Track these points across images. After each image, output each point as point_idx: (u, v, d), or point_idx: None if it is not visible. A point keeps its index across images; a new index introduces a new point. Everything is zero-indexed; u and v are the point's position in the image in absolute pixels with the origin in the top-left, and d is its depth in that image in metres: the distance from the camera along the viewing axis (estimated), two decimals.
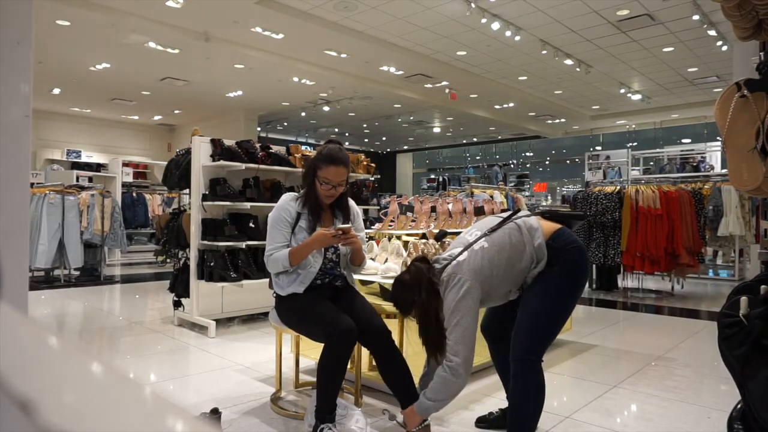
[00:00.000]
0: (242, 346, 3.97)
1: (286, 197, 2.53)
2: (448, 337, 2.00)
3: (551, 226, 2.13)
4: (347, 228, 2.36)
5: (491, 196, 7.08)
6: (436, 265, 2.15)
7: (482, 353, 3.32)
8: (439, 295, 2.07)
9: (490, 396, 2.93)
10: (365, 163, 5.53)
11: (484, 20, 7.29)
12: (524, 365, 2.05)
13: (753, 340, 1.70)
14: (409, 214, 3.67)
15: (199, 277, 4.35)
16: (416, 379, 2.34)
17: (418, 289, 2.09)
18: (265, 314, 4.66)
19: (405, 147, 20.80)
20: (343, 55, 9.08)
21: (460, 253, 2.09)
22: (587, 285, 6.97)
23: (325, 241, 2.36)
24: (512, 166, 17.37)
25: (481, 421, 2.53)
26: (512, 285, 2.10)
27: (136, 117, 14.30)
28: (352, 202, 2.66)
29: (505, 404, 2.55)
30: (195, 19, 7.49)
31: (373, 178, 5.79)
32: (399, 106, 13.10)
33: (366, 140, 19.22)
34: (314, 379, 2.67)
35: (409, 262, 3.06)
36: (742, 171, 1.98)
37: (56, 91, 11.23)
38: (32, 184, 7.34)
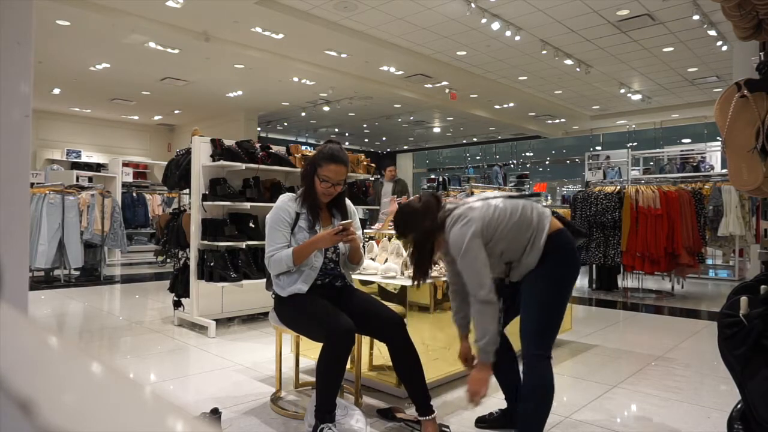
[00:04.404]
0: (242, 346, 3.97)
1: (284, 198, 2.54)
2: (467, 275, 2.07)
3: (557, 223, 2.20)
4: (348, 224, 2.37)
5: None
6: (449, 205, 2.25)
7: None
8: (442, 228, 2.15)
9: (490, 396, 2.92)
10: (365, 163, 5.52)
11: (484, 20, 7.29)
12: (531, 361, 2.11)
13: (753, 340, 1.70)
14: None
15: (199, 277, 4.35)
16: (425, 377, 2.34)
17: (424, 216, 2.19)
18: (265, 314, 4.66)
19: (405, 147, 20.80)
20: (343, 55, 9.08)
21: (475, 201, 2.20)
22: (588, 285, 6.97)
23: (329, 240, 2.38)
24: (512, 166, 17.35)
25: (481, 421, 2.54)
26: (506, 251, 2.14)
27: (136, 117, 14.30)
28: (349, 202, 2.68)
29: (504, 404, 2.56)
30: (195, 19, 7.48)
31: (373, 178, 5.78)
32: (399, 106, 13.10)
33: (366, 140, 19.22)
34: (314, 379, 2.67)
35: (409, 262, 3.07)
36: (742, 171, 1.98)
37: (56, 91, 11.23)
38: (32, 184, 7.34)
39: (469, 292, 2.08)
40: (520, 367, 2.20)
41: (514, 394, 2.46)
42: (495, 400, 2.82)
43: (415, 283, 2.29)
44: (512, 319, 2.35)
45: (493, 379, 3.14)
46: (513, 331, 2.31)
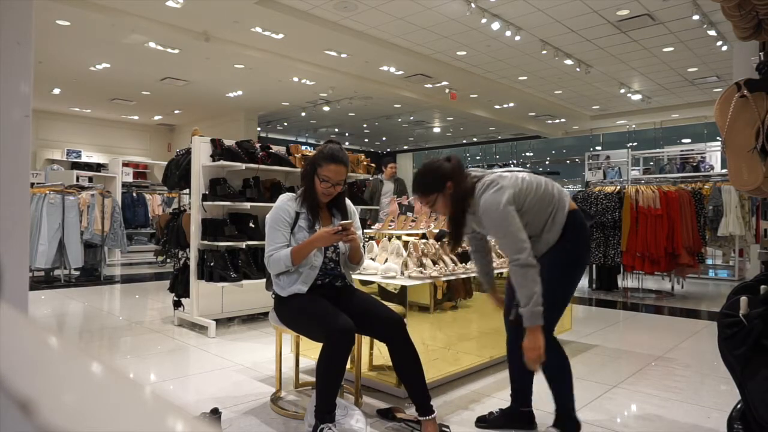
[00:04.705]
0: (242, 346, 3.97)
1: (284, 197, 2.54)
2: (504, 242, 2.11)
3: (573, 203, 2.30)
4: (348, 224, 2.37)
5: None
6: (474, 173, 2.30)
7: (482, 353, 3.33)
8: (473, 193, 2.19)
9: (490, 396, 2.93)
10: (365, 163, 5.53)
11: (484, 20, 7.29)
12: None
13: (753, 340, 1.70)
14: (409, 214, 3.67)
15: (199, 277, 4.35)
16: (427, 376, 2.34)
17: (459, 177, 2.21)
18: (265, 314, 4.66)
19: (405, 147, 20.79)
20: (343, 55, 9.08)
21: (503, 172, 2.25)
22: (588, 285, 6.97)
23: (328, 240, 2.37)
24: (512, 166, 17.36)
25: (481, 421, 2.54)
26: (530, 223, 2.18)
27: (136, 117, 14.30)
28: (348, 202, 2.68)
29: (504, 404, 2.56)
30: (195, 19, 7.48)
31: (372, 178, 5.79)
32: (399, 106, 13.09)
33: (366, 140, 19.21)
34: (314, 379, 2.67)
35: (409, 263, 3.07)
36: (742, 171, 1.98)
37: (56, 91, 11.22)
38: (32, 184, 7.34)
39: (508, 258, 2.08)
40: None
41: (524, 392, 2.46)
42: (495, 400, 2.82)
43: (453, 244, 2.33)
44: None
45: (493, 379, 3.16)
46: None
